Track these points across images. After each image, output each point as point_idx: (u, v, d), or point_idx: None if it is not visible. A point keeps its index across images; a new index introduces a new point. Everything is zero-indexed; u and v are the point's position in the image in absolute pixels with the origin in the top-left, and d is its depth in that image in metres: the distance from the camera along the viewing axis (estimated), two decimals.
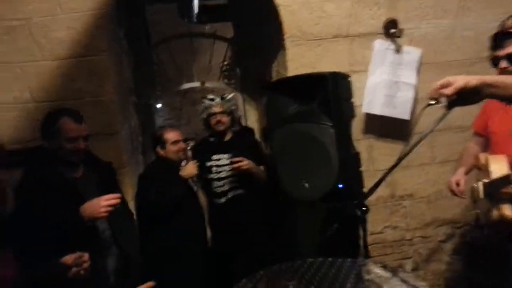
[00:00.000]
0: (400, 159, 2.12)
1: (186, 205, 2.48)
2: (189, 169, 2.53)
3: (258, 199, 2.76)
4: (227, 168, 2.71)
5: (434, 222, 2.97)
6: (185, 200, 2.47)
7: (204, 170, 2.70)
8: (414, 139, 2.33)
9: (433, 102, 1.36)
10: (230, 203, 2.73)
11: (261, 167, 2.82)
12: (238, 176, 2.69)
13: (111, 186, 1.93)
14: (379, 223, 2.91)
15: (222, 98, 2.79)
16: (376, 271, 1.39)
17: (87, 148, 1.84)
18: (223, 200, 2.73)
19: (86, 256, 1.47)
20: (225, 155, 2.73)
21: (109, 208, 1.68)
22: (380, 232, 2.92)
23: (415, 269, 2.97)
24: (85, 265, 1.46)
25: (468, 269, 2.89)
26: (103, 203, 1.67)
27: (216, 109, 2.73)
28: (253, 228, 2.74)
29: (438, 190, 2.95)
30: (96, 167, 1.92)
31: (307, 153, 2.26)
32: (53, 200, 1.65)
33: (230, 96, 2.86)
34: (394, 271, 1.45)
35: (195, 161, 2.61)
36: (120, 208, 1.96)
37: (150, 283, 1.25)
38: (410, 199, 2.94)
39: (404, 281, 1.36)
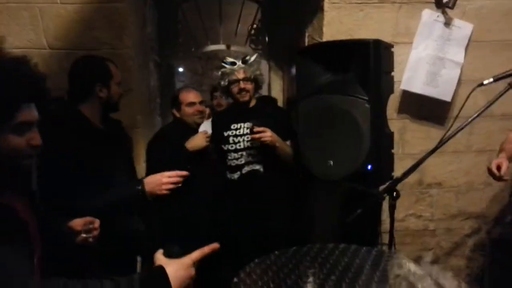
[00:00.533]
0: (441, 143, 1.94)
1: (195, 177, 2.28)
2: (196, 140, 2.23)
3: (277, 177, 2.42)
4: (246, 138, 2.38)
5: (461, 214, 2.78)
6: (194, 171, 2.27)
7: (221, 141, 2.42)
8: (453, 123, 2.14)
9: None
10: (244, 180, 2.39)
11: (287, 142, 2.47)
12: (258, 149, 2.35)
13: (130, 149, 1.83)
14: (401, 211, 2.74)
15: (244, 61, 2.37)
16: (409, 266, 1.22)
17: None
18: (236, 175, 2.40)
19: (97, 222, 1.35)
20: (245, 124, 2.39)
21: (171, 186, 1.60)
22: (402, 220, 2.76)
23: (434, 262, 2.81)
24: (95, 232, 1.34)
25: (491, 266, 2.71)
26: (165, 180, 1.60)
27: (239, 75, 2.33)
28: (268, 211, 2.39)
29: (470, 181, 2.75)
30: (114, 125, 1.81)
31: (336, 128, 2.07)
32: (88, 149, 1.58)
33: (252, 58, 2.40)
34: (427, 268, 1.29)
35: (205, 131, 2.32)
36: (131, 172, 1.85)
37: (215, 245, 1.14)
38: (438, 188, 2.75)
39: (438, 283, 1.20)
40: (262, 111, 2.45)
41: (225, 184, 2.45)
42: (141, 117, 2.40)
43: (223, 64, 2.40)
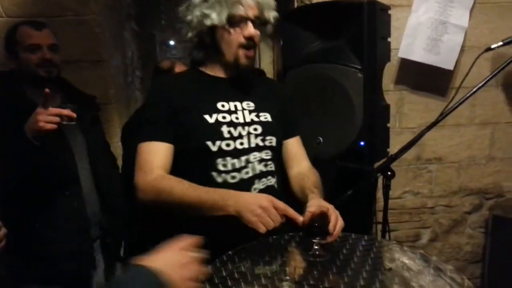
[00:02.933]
0: (442, 116, 1.76)
1: None
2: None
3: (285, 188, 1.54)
4: (253, 129, 1.36)
5: (461, 190, 2.63)
6: None
7: (194, 134, 1.31)
8: (455, 94, 1.95)
9: None
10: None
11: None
12: (271, 148, 1.41)
13: (94, 122, 1.63)
14: (398, 187, 2.59)
15: None
16: (403, 259, 1.06)
17: (56, 62, 1.55)
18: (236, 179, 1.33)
19: (2, 231, 1.16)
20: (245, 104, 1.39)
21: (53, 118, 1.31)
22: (399, 197, 2.61)
23: (433, 240, 2.68)
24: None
25: (492, 244, 2.58)
26: (41, 113, 1.31)
27: (249, 11, 1.28)
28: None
29: (472, 156, 2.58)
30: (75, 99, 1.60)
31: (326, 101, 1.88)
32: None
33: None
34: (425, 260, 1.13)
35: None
36: (101, 152, 1.67)
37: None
38: (438, 163, 2.58)
39: (438, 275, 1.04)
40: (261, 84, 1.50)
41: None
42: (114, 91, 2.20)
43: None
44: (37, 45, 1.50)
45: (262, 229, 1.09)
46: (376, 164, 1.89)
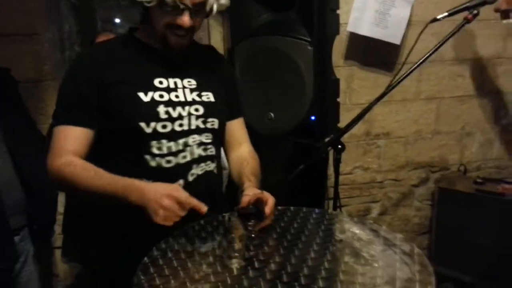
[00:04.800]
0: (387, 90, 1.77)
1: None
2: None
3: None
4: (194, 110, 1.25)
5: (408, 164, 2.70)
6: None
7: (127, 113, 1.18)
8: (400, 68, 1.97)
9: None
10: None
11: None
12: (211, 130, 1.29)
13: (10, 99, 1.46)
14: (349, 163, 2.62)
15: None
16: (354, 230, 1.04)
17: None
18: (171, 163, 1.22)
19: None
20: (185, 81, 1.26)
21: None
22: (349, 173, 2.64)
23: (382, 213, 2.75)
24: None
25: (438, 216, 2.68)
26: None
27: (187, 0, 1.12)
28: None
29: (418, 130, 2.66)
30: None
31: (275, 75, 1.83)
32: None
33: None
34: (375, 229, 1.12)
35: None
36: (25, 132, 1.52)
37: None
38: (386, 138, 2.63)
39: (388, 244, 1.03)
40: (203, 58, 1.36)
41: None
42: (50, 67, 2.02)
43: None
44: None
45: (168, 224, 1.06)
46: (327, 140, 1.88)
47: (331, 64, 1.92)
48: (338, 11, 1.86)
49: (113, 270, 1.26)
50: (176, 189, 1.09)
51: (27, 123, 1.58)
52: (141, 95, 1.18)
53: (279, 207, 1.27)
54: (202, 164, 1.26)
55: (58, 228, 2.02)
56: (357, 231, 1.03)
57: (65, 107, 1.18)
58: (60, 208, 1.88)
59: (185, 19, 1.14)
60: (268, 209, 1.15)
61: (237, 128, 1.41)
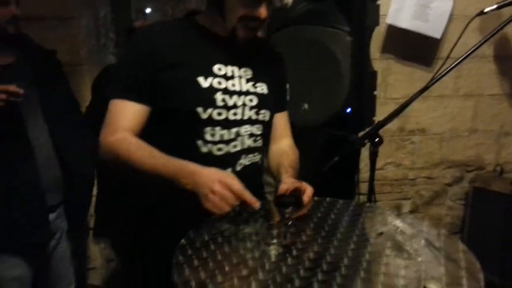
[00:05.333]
0: (427, 86, 1.71)
1: None
2: None
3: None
4: (249, 100, 1.23)
5: (443, 162, 2.63)
6: None
7: (183, 96, 1.17)
8: (443, 64, 1.90)
9: None
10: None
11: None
12: (263, 123, 1.28)
13: (54, 80, 1.49)
14: (380, 159, 2.52)
15: None
16: (396, 223, 1.01)
17: (14, 19, 1.37)
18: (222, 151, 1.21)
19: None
20: (242, 71, 1.24)
21: None
22: (381, 169, 2.59)
23: (413, 211, 2.69)
24: None
25: (472, 216, 2.60)
26: None
27: (262, 12, 1.12)
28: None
29: (454, 128, 2.58)
30: (34, 55, 1.46)
31: (312, 65, 1.80)
32: None
33: None
34: (416, 224, 1.09)
35: None
36: (66, 113, 1.55)
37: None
38: (421, 134, 2.57)
39: (431, 240, 1.00)
40: (261, 49, 1.34)
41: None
42: (86, 52, 2.05)
43: None
44: (5, 1, 1.34)
45: (217, 213, 1.02)
46: (361, 134, 1.84)
47: (369, 56, 1.88)
48: (378, 2, 1.82)
49: (149, 252, 1.27)
50: (231, 177, 1.05)
51: (70, 105, 1.60)
52: (201, 80, 1.16)
53: (316, 198, 1.25)
54: (251, 155, 1.25)
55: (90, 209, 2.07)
56: (400, 225, 1.01)
57: (123, 82, 1.17)
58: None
59: (262, 11, 1.11)
60: (306, 197, 1.13)
61: (281, 121, 1.39)
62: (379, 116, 1.98)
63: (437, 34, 2.17)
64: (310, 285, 0.83)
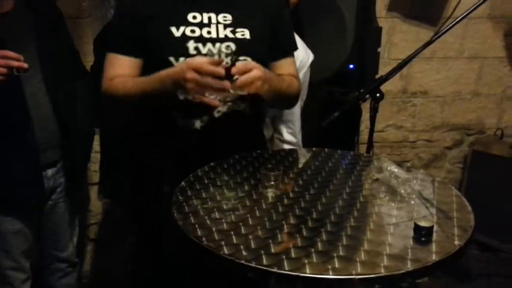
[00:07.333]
0: (427, 44, 1.68)
1: None
2: None
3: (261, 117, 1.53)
4: (224, 47, 1.20)
5: (444, 125, 2.63)
6: None
7: (159, 47, 1.20)
8: (445, 22, 1.86)
9: None
10: (214, 130, 1.22)
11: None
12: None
13: (54, 29, 1.46)
14: (381, 121, 2.56)
15: None
16: (392, 169, 1.03)
17: None
18: (198, 123, 1.22)
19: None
20: (220, 17, 1.22)
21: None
22: (381, 131, 2.59)
23: None
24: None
25: (469, 178, 2.63)
26: None
27: None
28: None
29: (457, 90, 2.56)
30: (34, 2, 1.43)
31: (315, 18, 1.78)
32: None
33: None
34: (411, 172, 1.11)
35: None
36: (65, 66, 1.52)
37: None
38: (423, 96, 2.55)
39: (425, 184, 1.02)
40: None
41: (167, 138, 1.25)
42: (88, 4, 2.02)
43: None
44: None
45: (200, 97, 1.04)
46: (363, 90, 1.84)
47: (375, 10, 1.85)
48: None
49: (150, 202, 1.30)
50: (197, 59, 1.08)
51: (69, 56, 1.55)
52: (173, 29, 1.17)
53: (314, 149, 1.27)
54: (229, 103, 1.22)
55: (95, 166, 2.09)
56: (395, 170, 1.03)
57: (113, 36, 1.25)
58: (97, 146, 1.93)
59: None
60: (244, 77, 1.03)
61: (284, 70, 1.29)
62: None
63: None
64: (304, 222, 0.86)
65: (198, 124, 1.20)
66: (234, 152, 1.21)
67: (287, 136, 1.60)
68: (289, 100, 1.31)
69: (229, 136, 1.18)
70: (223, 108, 1.21)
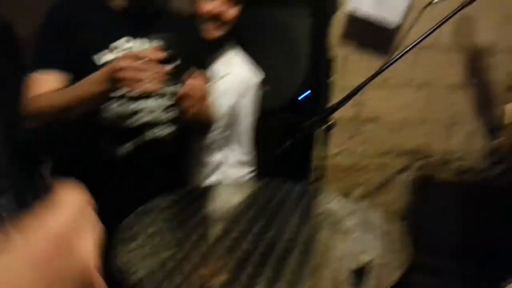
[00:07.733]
0: (377, 72, 1.76)
1: None
2: None
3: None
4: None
5: (393, 150, 2.72)
6: None
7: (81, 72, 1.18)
8: (394, 51, 1.96)
9: None
10: (139, 158, 1.24)
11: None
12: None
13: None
14: (334, 147, 2.62)
15: None
16: (336, 202, 1.04)
17: None
18: (125, 149, 1.23)
19: None
20: (138, 42, 1.26)
21: None
22: (334, 156, 2.64)
23: (364, 196, 2.77)
24: None
25: (416, 203, 2.73)
26: None
27: None
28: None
29: (406, 117, 2.66)
30: None
31: (269, 46, 1.80)
32: None
33: None
34: (355, 204, 1.13)
35: None
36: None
37: None
38: (374, 123, 2.64)
39: (366, 219, 1.04)
40: (169, 20, 1.38)
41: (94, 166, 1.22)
42: None
43: None
44: None
45: (140, 86, 1.01)
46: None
47: (328, 41, 1.90)
48: None
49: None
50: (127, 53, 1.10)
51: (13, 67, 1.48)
52: (96, 57, 1.19)
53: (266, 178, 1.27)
54: (155, 129, 1.26)
55: None
56: (337, 205, 1.04)
57: (39, 54, 1.22)
58: None
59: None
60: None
61: None
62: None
63: (395, 19, 2.21)
64: (249, 258, 0.84)
65: (123, 150, 1.20)
66: (155, 180, 1.22)
67: (239, 156, 1.59)
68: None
69: (151, 164, 1.22)
70: (151, 133, 1.24)
